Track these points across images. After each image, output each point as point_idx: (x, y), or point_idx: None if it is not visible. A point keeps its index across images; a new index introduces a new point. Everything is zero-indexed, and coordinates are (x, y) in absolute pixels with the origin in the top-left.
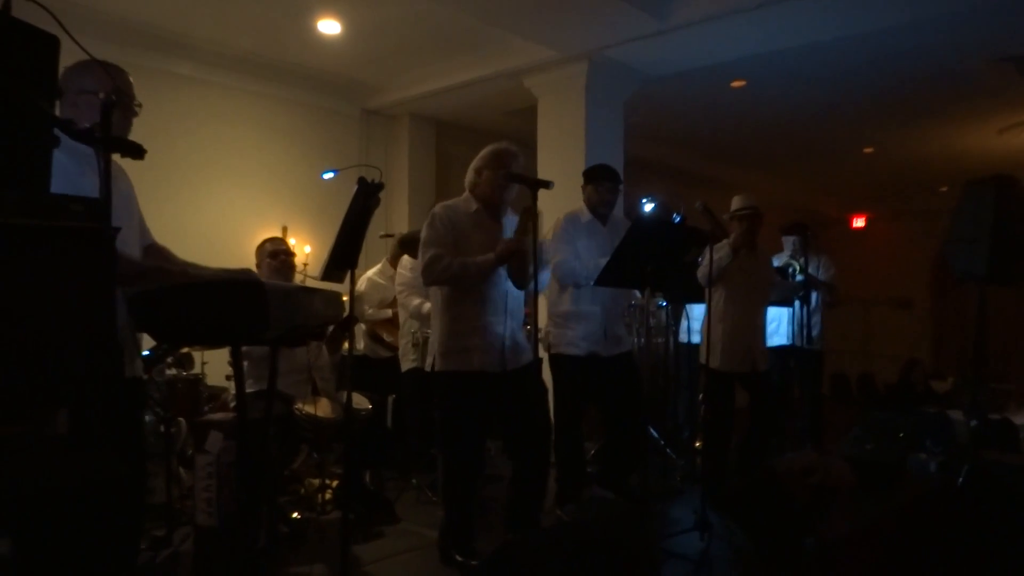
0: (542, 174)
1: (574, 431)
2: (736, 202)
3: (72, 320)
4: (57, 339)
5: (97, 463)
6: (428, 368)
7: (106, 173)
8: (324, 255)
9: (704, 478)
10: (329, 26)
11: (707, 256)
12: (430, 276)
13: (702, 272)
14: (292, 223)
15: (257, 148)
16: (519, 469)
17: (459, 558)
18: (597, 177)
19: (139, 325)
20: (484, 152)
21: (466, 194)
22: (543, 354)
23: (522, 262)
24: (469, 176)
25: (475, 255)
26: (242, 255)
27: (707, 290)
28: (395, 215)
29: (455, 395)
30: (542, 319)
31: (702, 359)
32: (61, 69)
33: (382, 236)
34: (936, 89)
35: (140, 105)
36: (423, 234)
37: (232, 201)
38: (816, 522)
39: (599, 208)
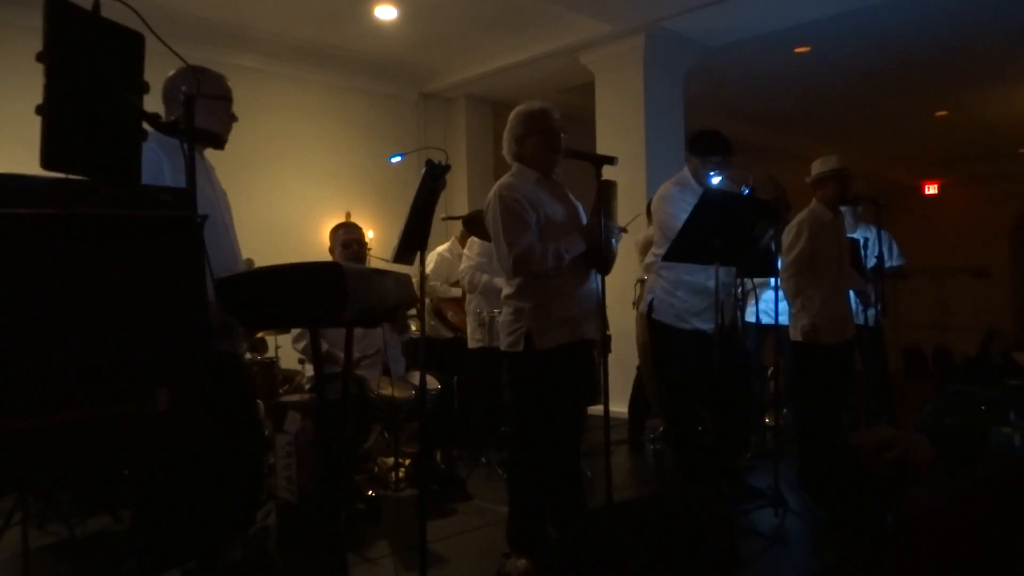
0: (601, 150)
1: (689, 413)
2: (819, 165)
3: (165, 303)
4: (153, 321)
5: (197, 437)
6: (511, 348)
7: (190, 162)
8: (388, 239)
9: (800, 454)
10: (386, 12)
11: (776, 231)
12: (526, 268)
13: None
14: (355, 208)
15: (318, 135)
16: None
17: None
18: (703, 151)
19: (223, 308)
20: (520, 116)
21: (516, 166)
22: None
23: (601, 244)
24: (510, 146)
25: (559, 224)
26: (309, 241)
27: (778, 267)
28: (455, 197)
29: (559, 370)
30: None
31: (793, 336)
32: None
33: (444, 218)
34: (1017, 45)
35: (235, 117)
36: (500, 224)
37: (296, 189)
38: (895, 497)
39: (703, 181)
